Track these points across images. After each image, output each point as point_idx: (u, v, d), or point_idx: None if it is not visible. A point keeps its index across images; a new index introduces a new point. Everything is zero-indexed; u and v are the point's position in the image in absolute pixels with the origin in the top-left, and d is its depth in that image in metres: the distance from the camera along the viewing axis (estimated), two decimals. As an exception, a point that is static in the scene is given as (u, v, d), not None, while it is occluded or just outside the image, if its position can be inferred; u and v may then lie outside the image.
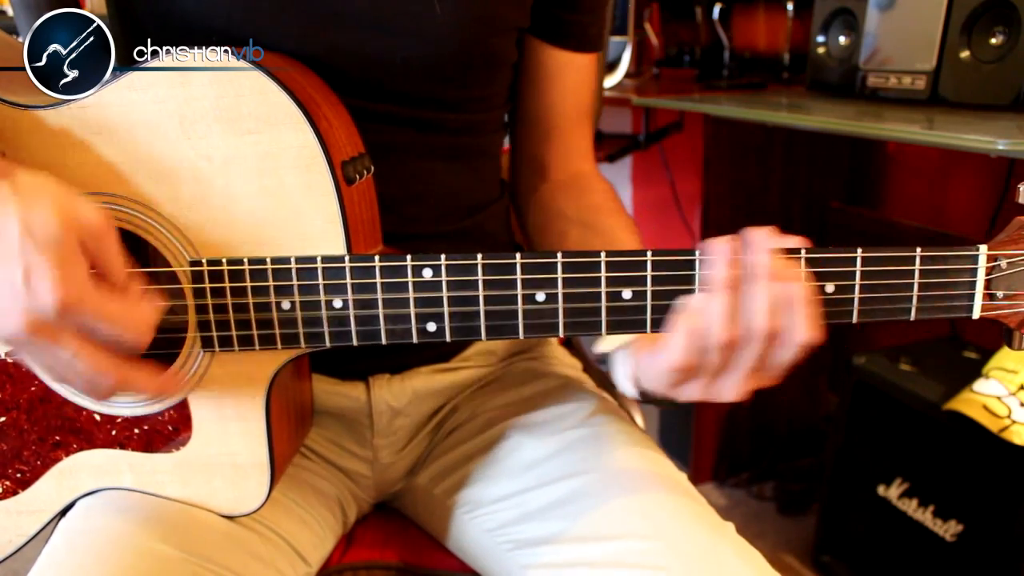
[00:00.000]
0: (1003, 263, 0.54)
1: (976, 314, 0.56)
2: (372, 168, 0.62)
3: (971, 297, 0.55)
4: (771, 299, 0.52)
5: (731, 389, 0.55)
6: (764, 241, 0.52)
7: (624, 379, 0.62)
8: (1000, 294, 0.55)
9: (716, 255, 0.52)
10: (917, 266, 0.54)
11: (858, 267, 0.54)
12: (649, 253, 0.54)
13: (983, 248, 0.54)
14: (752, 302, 0.52)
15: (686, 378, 0.55)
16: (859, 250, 0.54)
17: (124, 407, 0.62)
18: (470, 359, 0.83)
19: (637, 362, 0.60)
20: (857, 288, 0.55)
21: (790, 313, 0.52)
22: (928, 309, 0.56)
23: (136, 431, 0.63)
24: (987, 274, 0.55)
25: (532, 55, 0.78)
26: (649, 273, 0.54)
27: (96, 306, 0.49)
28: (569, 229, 0.77)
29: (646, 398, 0.62)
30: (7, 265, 0.47)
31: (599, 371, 0.93)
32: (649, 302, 0.55)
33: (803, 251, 0.54)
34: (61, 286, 0.47)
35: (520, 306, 0.55)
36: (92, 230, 0.49)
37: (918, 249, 0.54)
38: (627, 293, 0.55)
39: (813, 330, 0.53)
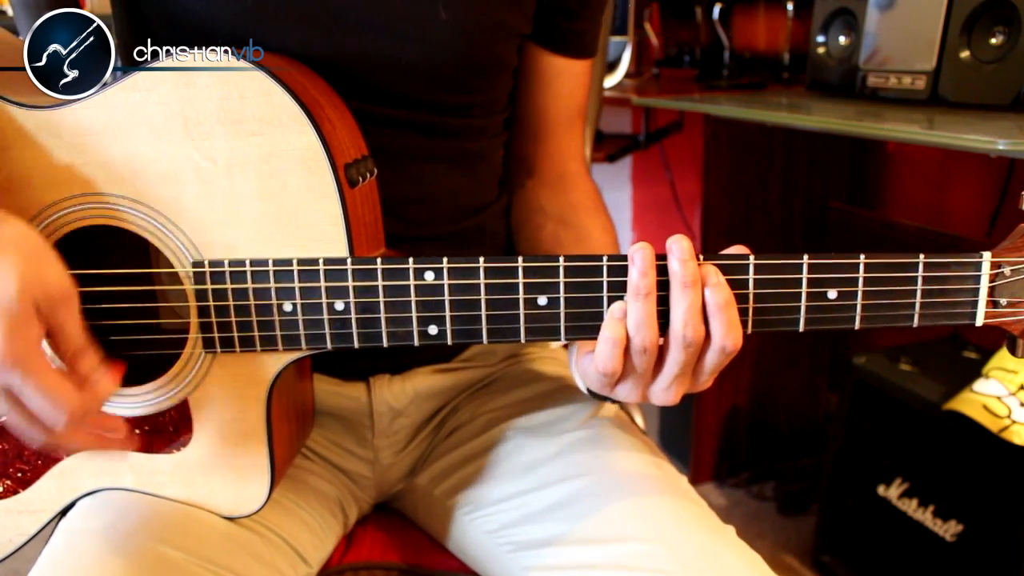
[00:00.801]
0: (1007, 270, 0.54)
1: (979, 321, 0.56)
2: (375, 171, 0.62)
3: (974, 304, 0.55)
4: (690, 306, 0.53)
5: (662, 393, 0.57)
6: (684, 249, 0.53)
7: (575, 376, 0.64)
8: (1003, 301, 0.55)
9: (635, 263, 0.53)
10: (920, 273, 0.54)
11: (861, 273, 0.54)
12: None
13: (987, 255, 0.54)
14: (673, 309, 0.54)
15: (616, 381, 0.57)
16: (862, 256, 0.54)
17: (124, 407, 0.62)
18: (471, 360, 0.83)
19: (579, 362, 0.61)
20: (860, 295, 0.55)
21: (712, 319, 0.54)
22: (931, 316, 0.56)
23: (137, 432, 0.63)
24: (990, 281, 0.55)
25: (527, 59, 0.79)
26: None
27: (36, 371, 0.48)
28: (546, 224, 0.79)
29: (593, 394, 0.63)
30: None
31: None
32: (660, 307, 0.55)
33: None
34: (5, 344, 0.47)
35: (522, 310, 0.56)
36: (52, 297, 0.49)
37: (921, 256, 0.54)
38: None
39: (735, 336, 0.54)
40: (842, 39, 1.41)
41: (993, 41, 1.15)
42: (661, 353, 0.56)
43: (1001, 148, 0.93)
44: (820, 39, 1.46)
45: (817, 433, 1.97)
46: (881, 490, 1.42)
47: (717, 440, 1.94)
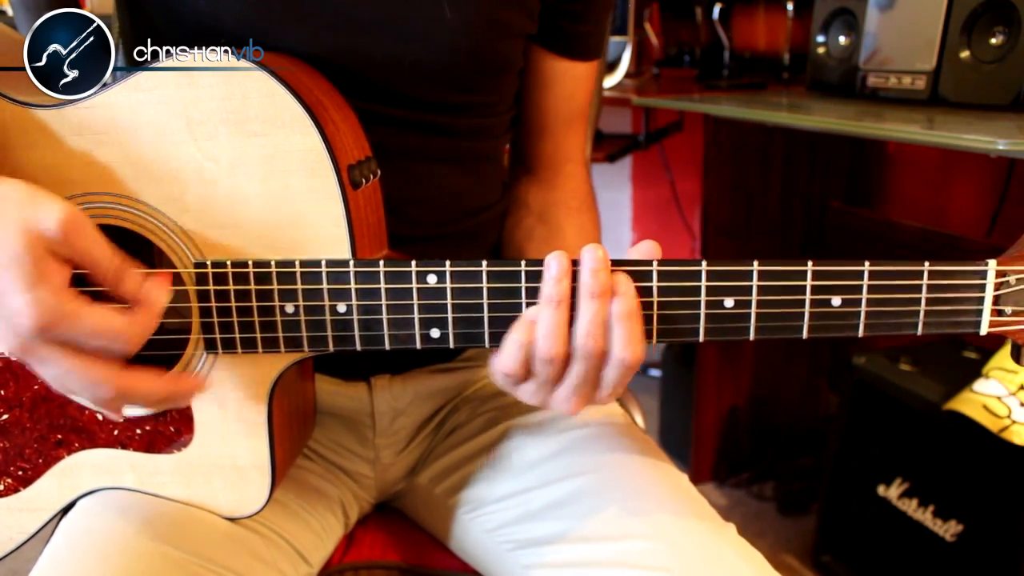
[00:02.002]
0: (1012, 279, 0.54)
1: (984, 330, 0.55)
2: (379, 172, 0.62)
3: (979, 313, 0.55)
4: (594, 317, 0.52)
5: (563, 403, 0.56)
6: (598, 259, 0.52)
7: (489, 369, 0.64)
8: (1009, 310, 0.55)
9: (549, 270, 0.52)
10: (925, 281, 0.54)
11: (865, 281, 0.54)
12: (655, 263, 0.54)
13: (992, 264, 0.54)
14: (579, 319, 0.53)
15: (517, 382, 0.56)
16: (866, 263, 0.54)
17: (127, 408, 0.62)
18: (471, 359, 0.83)
19: (490, 358, 0.60)
20: (864, 302, 0.54)
21: (615, 332, 0.53)
22: (935, 324, 0.55)
23: (138, 431, 0.63)
24: (995, 290, 0.54)
25: (531, 60, 0.79)
26: (655, 284, 0.54)
27: (73, 320, 0.47)
28: (525, 218, 0.80)
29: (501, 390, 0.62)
30: None
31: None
32: (655, 312, 0.55)
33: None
34: (32, 308, 0.46)
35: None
36: (58, 236, 0.47)
37: (926, 264, 0.54)
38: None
39: (634, 350, 0.53)
40: (842, 39, 1.42)
41: (993, 41, 1.15)
42: (567, 362, 0.55)
43: (1001, 148, 0.93)
44: (820, 39, 1.46)
45: (817, 433, 1.97)
46: (881, 490, 1.42)
47: (717, 440, 1.94)
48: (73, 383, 0.50)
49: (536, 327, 0.53)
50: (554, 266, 0.52)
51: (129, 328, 0.50)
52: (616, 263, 0.53)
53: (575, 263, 0.53)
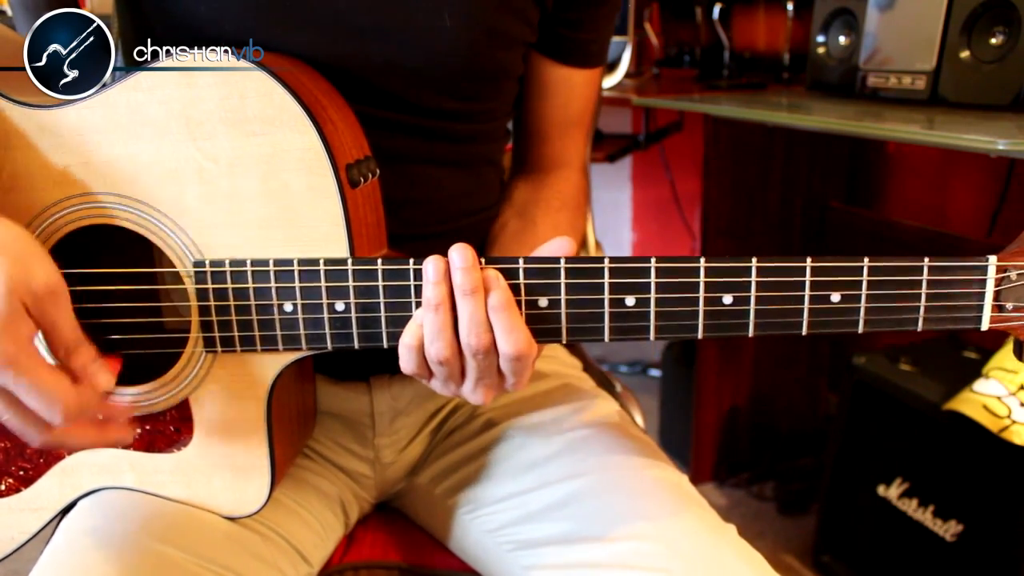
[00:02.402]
0: (1012, 274, 0.54)
1: (985, 326, 0.55)
2: (378, 171, 0.62)
3: (980, 308, 0.55)
4: (472, 314, 0.53)
5: (471, 395, 0.58)
6: (467, 257, 0.53)
7: None
8: (1009, 306, 0.55)
9: (426, 274, 0.53)
10: (925, 276, 0.54)
11: (864, 276, 0.54)
12: (653, 260, 0.54)
13: (992, 259, 0.54)
14: (459, 318, 0.54)
15: (424, 379, 0.58)
16: (866, 260, 0.54)
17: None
18: (471, 359, 0.83)
19: None
20: (863, 298, 0.54)
21: (495, 326, 0.54)
22: (935, 320, 0.55)
23: (138, 431, 0.63)
24: (996, 285, 0.54)
25: (532, 67, 0.79)
26: (653, 280, 0.54)
27: (28, 369, 0.49)
28: (505, 211, 0.81)
29: None
30: None
31: (599, 371, 0.93)
32: (653, 308, 0.55)
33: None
34: None
35: (523, 311, 0.56)
36: (40, 294, 0.49)
37: (926, 260, 0.54)
38: (630, 300, 0.55)
39: (515, 340, 0.54)
40: (842, 39, 1.41)
41: (993, 41, 1.15)
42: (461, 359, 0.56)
43: (1001, 148, 0.93)
44: (820, 39, 1.46)
45: (817, 433, 1.97)
46: (881, 490, 1.42)
47: (717, 440, 1.94)
48: (12, 421, 0.51)
49: (423, 330, 0.55)
50: (430, 270, 0.53)
51: (68, 398, 0.50)
52: (490, 260, 0.54)
53: (499, 261, 0.54)
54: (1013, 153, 0.93)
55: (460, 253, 0.53)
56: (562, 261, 0.54)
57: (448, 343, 0.54)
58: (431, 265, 0.53)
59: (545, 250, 0.55)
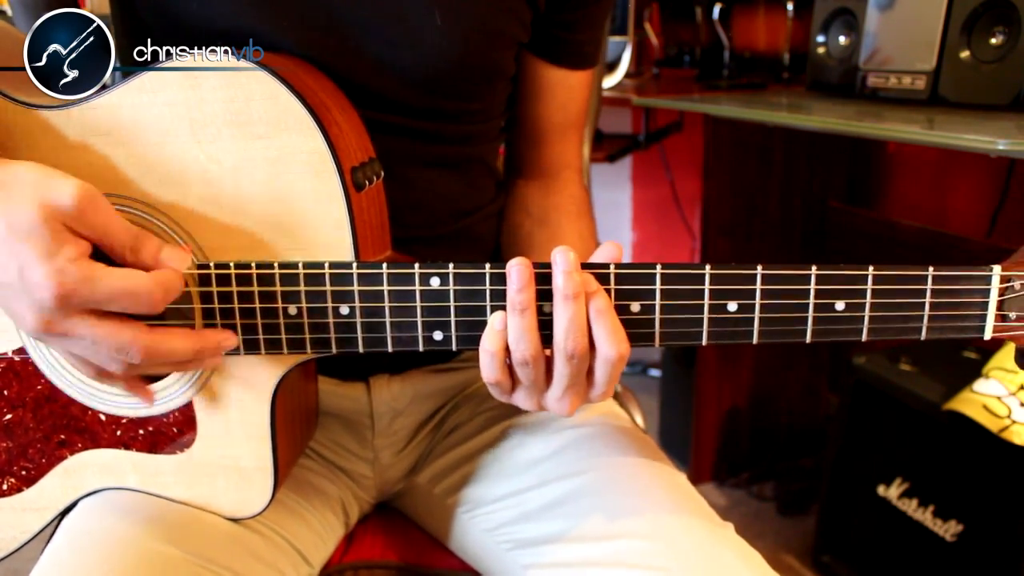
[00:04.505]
0: (1016, 284, 0.54)
1: (988, 335, 0.55)
2: (382, 173, 0.62)
3: (983, 318, 0.55)
4: (572, 318, 0.53)
5: (556, 404, 0.57)
6: (570, 261, 0.52)
7: None
8: (1013, 315, 0.55)
9: (511, 279, 0.53)
10: (929, 285, 0.54)
11: (869, 285, 0.54)
12: (658, 267, 0.54)
13: (996, 269, 0.54)
14: (556, 322, 0.53)
15: (506, 391, 0.57)
16: (870, 268, 0.54)
17: (130, 408, 0.62)
18: (470, 359, 0.83)
19: None
20: (867, 306, 0.54)
21: (596, 330, 0.53)
22: (939, 329, 0.55)
23: (141, 432, 0.63)
24: (1000, 295, 0.54)
25: (526, 68, 0.79)
26: (658, 286, 0.55)
27: (92, 285, 0.48)
28: (524, 223, 0.80)
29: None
30: (6, 268, 0.48)
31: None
32: (658, 315, 0.55)
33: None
34: (51, 278, 0.47)
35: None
36: (74, 211, 0.48)
37: (931, 269, 0.54)
38: (635, 306, 0.55)
39: (617, 343, 0.54)
40: (842, 39, 1.41)
41: (993, 41, 1.15)
42: (551, 364, 0.55)
43: (1001, 148, 0.93)
44: (820, 39, 1.46)
45: (817, 433, 1.97)
46: (881, 490, 1.42)
47: (717, 440, 1.94)
48: (100, 350, 0.51)
49: (506, 335, 0.54)
50: (516, 276, 0.53)
51: (152, 285, 0.51)
52: (581, 266, 0.54)
53: (536, 265, 0.53)
54: (1013, 153, 0.93)
55: (564, 256, 0.52)
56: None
57: (534, 344, 0.54)
58: (516, 270, 0.53)
59: (599, 256, 0.55)
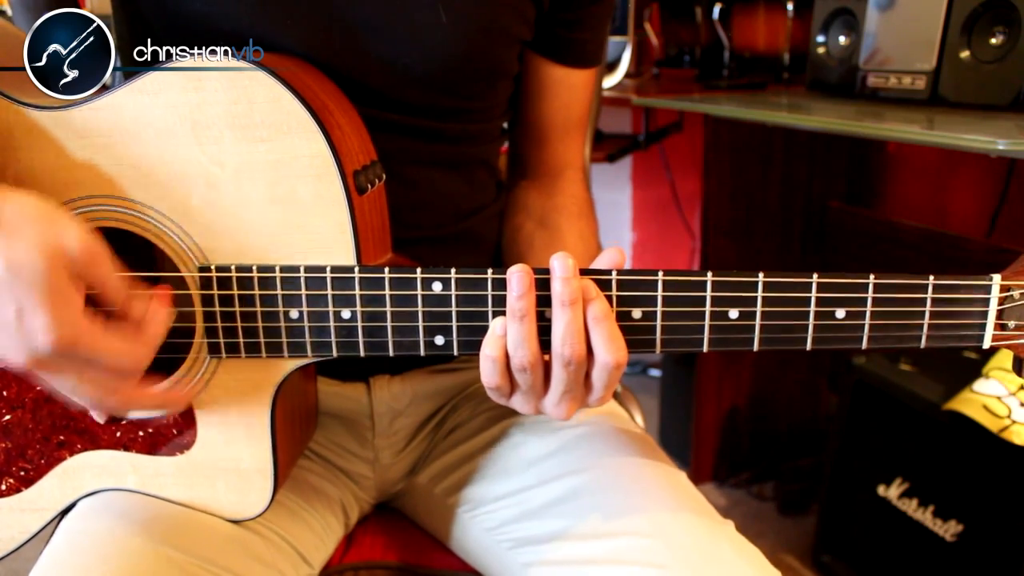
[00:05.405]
0: (1016, 293, 0.55)
1: (987, 344, 0.56)
2: (384, 176, 0.62)
3: (982, 327, 0.55)
4: (568, 324, 0.53)
5: (554, 409, 0.57)
6: (568, 267, 0.53)
7: None
8: (1011, 324, 0.55)
9: (512, 286, 0.53)
10: (929, 294, 0.54)
11: (870, 293, 0.54)
12: (660, 273, 0.54)
13: (996, 278, 0.54)
14: (553, 327, 0.54)
15: (505, 395, 0.57)
16: (871, 277, 0.54)
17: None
18: (470, 360, 0.83)
19: None
20: (868, 315, 0.55)
21: (595, 336, 0.54)
22: (938, 337, 0.56)
23: (141, 433, 0.63)
24: (999, 304, 0.55)
25: (528, 66, 0.79)
26: (660, 293, 0.55)
27: (91, 343, 0.49)
28: (525, 223, 0.80)
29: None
30: (2, 306, 0.47)
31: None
32: (659, 322, 0.55)
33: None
34: (54, 328, 0.47)
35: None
36: (80, 259, 0.49)
37: (931, 278, 0.54)
38: (637, 313, 0.55)
39: (615, 350, 0.54)
40: (842, 39, 1.41)
41: (993, 41, 1.15)
42: (550, 369, 0.56)
43: (1001, 148, 0.93)
44: (820, 39, 1.45)
45: (817, 433, 1.97)
46: (881, 490, 1.42)
47: (717, 440, 1.94)
48: (85, 392, 0.52)
49: (505, 340, 0.54)
50: (516, 283, 0.53)
51: (138, 349, 0.52)
52: (582, 272, 0.54)
53: (536, 271, 0.54)
54: (1013, 153, 0.93)
55: (562, 262, 0.53)
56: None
57: (533, 350, 0.54)
58: (517, 276, 0.53)
59: (601, 262, 0.56)
